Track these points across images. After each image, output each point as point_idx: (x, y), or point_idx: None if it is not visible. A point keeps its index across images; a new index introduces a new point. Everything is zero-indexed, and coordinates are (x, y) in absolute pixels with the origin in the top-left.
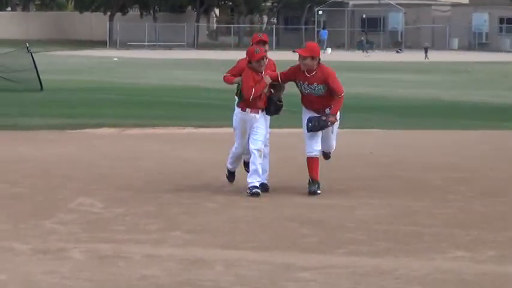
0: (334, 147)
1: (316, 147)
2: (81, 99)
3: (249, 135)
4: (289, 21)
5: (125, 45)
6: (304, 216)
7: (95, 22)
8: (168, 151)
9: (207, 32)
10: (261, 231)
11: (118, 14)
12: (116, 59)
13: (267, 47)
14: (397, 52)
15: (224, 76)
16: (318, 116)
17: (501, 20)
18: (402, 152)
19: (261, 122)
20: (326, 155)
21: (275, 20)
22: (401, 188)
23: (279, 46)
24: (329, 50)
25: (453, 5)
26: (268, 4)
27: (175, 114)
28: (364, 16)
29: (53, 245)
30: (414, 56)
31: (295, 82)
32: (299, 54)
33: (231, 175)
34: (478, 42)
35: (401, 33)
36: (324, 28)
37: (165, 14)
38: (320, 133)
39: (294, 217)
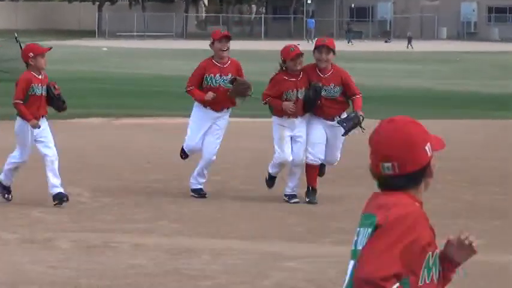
0: (338, 158)
1: (320, 155)
2: (70, 89)
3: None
4: (278, 11)
5: (113, 35)
6: (292, 206)
7: (84, 12)
8: (157, 141)
9: (195, 22)
10: (248, 221)
11: (107, 4)
12: (105, 49)
13: (229, 43)
14: (386, 42)
15: (189, 90)
16: (347, 117)
17: (490, 9)
18: None
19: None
20: (322, 169)
21: (264, 10)
22: None
23: (268, 36)
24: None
25: None
26: None
27: (164, 104)
28: (352, 5)
29: (40, 234)
30: (403, 46)
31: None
32: (324, 47)
33: (270, 180)
34: (466, 32)
35: (390, 23)
36: (311, 17)
37: (154, 3)
38: (325, 141)
39: (281, 207)
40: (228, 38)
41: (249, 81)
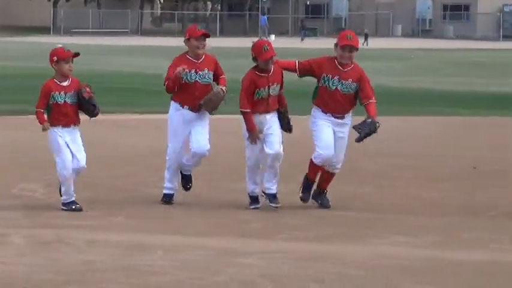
0: (343, 161)
1: (332, 156)
2: (24, 85)
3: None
4: (233, 8)
5: (68, 32)
6: (246, 202)
7: (39, 8)
8: (114, 137)
9: (150, 19)
10: (202, 217)
11: (62, 0)
12: (59, 45)
13: (206, 41)
14: None
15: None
16: (363, 122)
17: (445, 7)
18: None
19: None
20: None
21: (219, 7)
22: (345, 173)
23: (223, 33)
24: (272, 36)
25: None
26: None
27: (122, 100)
28: (308, 2)
29: None
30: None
31: (319, 76)
32: (349, 46)
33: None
34: (421, 29)
35: (345, 20)
36: (263, 14)
37: (109, 0)
38: (333, 142)
39: (235, 203)
40: (206, 36)
41: (222, 93)
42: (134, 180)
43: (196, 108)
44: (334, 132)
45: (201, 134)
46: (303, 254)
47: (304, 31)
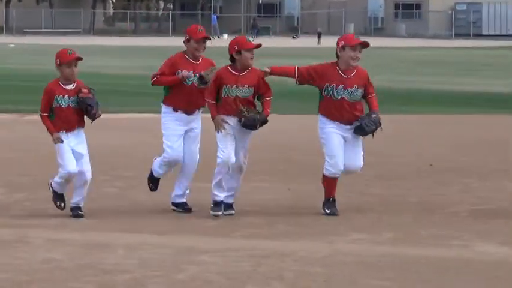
0: (362, 164)
1: (342, 165)
2: None
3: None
4: (186, 7)
5: (21, 32)
6: (204, 201)
7: None
8: None
9: (103, 18)
10: (161, 216)
11: (14, 0)
12: (12, 45)
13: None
14: (293, 38)
15: (156, 79)
16: (367, 116)
17: (397, 6)
18: (298, 136)
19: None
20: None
21: (171, 6)
22: (299, 172)
23: (176, 32)
24: (225, 35)
25: None
26: None
27: None
28: (260, 1)
29: None
30: (310, 42)
31: (321, 86)
32: (360, 44)
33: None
34: (373, 28)
35: (298, 19)
36: (214, 13)
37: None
38: (343, 148)
39: (194, 202)
40: (207, 39)
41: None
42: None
43: (190, 111)
44: (345, 138)
45: (191, 154)
46: (260, 251)
47: (257, 30)
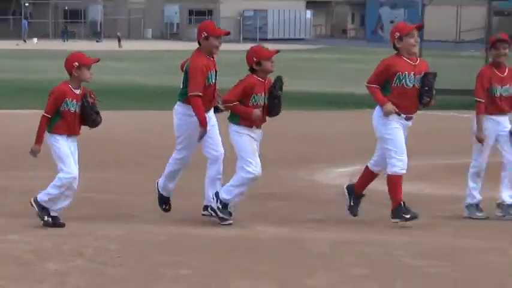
0: None
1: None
2: None
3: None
4: None
5: None
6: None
7: None
8: None
9: None
10: None
11: None
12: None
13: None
14: (97, 41)
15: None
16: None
17: (190, 12)
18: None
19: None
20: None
21: None
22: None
23: None
24: (35, 39)
25: None
26: None
27: None
28: (66, 8)
29: None
30: (112, 45)
31: (393, 76)
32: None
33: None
34: (170, 32)
35: (101, 24)
36: (25, 18)
37: None
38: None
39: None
40: (226, 34)
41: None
42: None
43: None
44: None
45: (216, 140)
46: (64, 230)
47: (65, 34)
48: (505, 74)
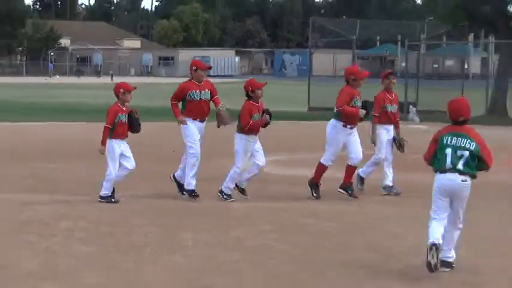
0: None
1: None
2: None
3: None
4: (33, 58)
5: None
6: None
7: None
8: None
9: None
10: None
11: None
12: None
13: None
14: (78, 77)
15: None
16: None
17: (160, 58)
18: None
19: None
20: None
21: (24, 57)
22: None
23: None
24: (57, 76)
25: (131, 49)
26: None
27: None
28: (78, 55)
29: None
30: (107, 79)
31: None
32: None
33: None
34: (146, 71)
35: (100, 66)
36: (51, 62)
37: None
38: None
39: None
40: (209, 69)
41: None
42: None
43: (202, 120)
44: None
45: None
46: (75, 203)
47: (78, 72)
48: (393, 97)
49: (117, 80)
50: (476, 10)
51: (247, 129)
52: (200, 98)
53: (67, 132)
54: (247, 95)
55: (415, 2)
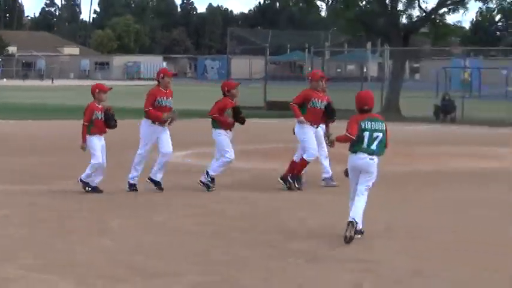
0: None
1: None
2: None
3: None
4: None
5: None
6: None
7: None
8: None
9: None
10: None
11: None
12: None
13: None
14: (23, 80)
15: (148, 110)
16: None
17: (96, 63)
18: None
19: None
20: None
21: None
22: None
23: None
24: (5, 79)
25: (71, 55)
26: None
27: None
28: (24, 61)
29: None
30: (49, 82)
31: (308, 100)
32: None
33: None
34: (84, 75)
35: (43, 70)
36: None
37: None
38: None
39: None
40: (175, 76)
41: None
42: None
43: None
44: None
45: (167, 141)
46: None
47: (24, 75)
48: (321, 94)
49: (58, 82)
50: (372, 23)
51: (220, 123)
52: (165, 105)
53: (13, 129)
54: (224, 94)
55: (320, 14)
